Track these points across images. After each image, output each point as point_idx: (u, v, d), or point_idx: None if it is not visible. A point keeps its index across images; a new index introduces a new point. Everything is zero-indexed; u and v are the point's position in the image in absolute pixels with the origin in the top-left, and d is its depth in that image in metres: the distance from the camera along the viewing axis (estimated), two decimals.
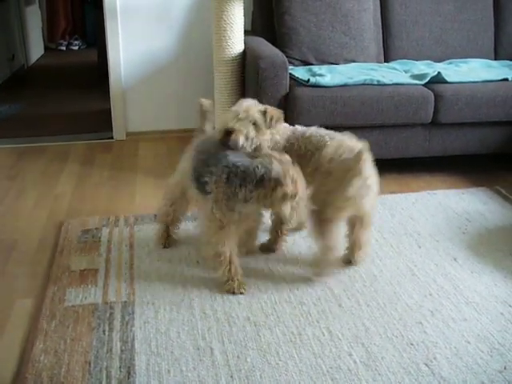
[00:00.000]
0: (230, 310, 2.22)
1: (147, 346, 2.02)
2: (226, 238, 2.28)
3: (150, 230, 2.82)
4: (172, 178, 2.66)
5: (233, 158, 2.26)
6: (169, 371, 1.90)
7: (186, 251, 2.64)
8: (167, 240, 2.68)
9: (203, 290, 2.34)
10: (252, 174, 2.15)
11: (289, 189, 2.10)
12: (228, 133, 2.36)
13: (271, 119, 2.41)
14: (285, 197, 2.11)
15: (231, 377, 1.88)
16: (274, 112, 2.44)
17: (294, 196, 2.12)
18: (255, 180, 2.14)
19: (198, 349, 2.01)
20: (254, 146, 2.41)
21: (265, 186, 2.13)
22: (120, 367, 1.92)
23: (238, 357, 1.97)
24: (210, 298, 2.29)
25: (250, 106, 2.45)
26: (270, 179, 2.12)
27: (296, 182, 2.12)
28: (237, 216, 2.23)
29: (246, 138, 2.37)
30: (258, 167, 2.15)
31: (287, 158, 2.19)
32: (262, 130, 2.41)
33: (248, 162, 2.21)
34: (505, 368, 1.95)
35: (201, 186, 2.32)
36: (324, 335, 2.08)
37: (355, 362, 1.96)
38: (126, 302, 2.27)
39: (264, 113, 2.42)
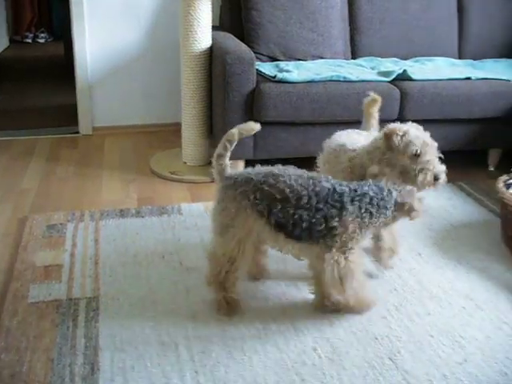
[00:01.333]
0: (193, 306, 2.21)
1: (111, 341, 2.01)
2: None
3: (116, 225, 2.80)
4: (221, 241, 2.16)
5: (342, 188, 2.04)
6: (133, 367, 1.89)
7: (153, 246, 2.63)
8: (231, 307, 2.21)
9: (168, 286, 2.34)
10: (389, 200, 2.04)
11: (417, 205, 2.05)
12: None
13: None
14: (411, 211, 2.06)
15: (196, 372, 1.88)
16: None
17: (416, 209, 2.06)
18: (394, 204, 2.05)
19: (163, 344, 2.00)
20: None
21: (401, 210, 2.06)
22: (84, 364, 1.90)
23: (202, 352, 1.97)
24: (174, 294, 2.28)
25: None
26: (403, 203, 2.05)
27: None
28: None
29: None
30: (390, 191, 2.04)
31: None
32: None
33: (373, 188, 2.05)
34: (465, 360, 1.99)
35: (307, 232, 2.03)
36: (289, 330, 2.09)
37: (320, 356, 1.97)
38: (90, 297, 2.25)
39: None
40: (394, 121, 3.23)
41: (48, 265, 2.47)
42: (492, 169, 3.77)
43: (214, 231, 2.17)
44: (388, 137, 2.18)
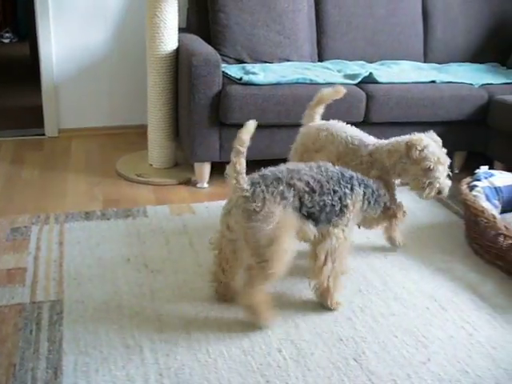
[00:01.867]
0: (159, 308, 2.20)
1: (75, 345, 1.98)
2: None
3: (81, 228, 2.78)
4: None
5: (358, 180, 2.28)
6: (97, 370, 1.87)
7: (118, 249, 2.61)
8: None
9: (133, 288, 2.32)
10: (382, 199, 2.35)
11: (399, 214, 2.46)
12: None
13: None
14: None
15: (160, 375, 1.87)
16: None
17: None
18: (383, 206, 2.36)
19: (128, 347, 1.99)
20: None
21: (385, 213, 2.40)
22: (47, 368, 1.87)
23: (167, 355, 1.96)
24: (139, 297, 2.27)
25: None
26: (389, 208, 2.41)
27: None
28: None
29: None
30: (385, 194, 2.37)
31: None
32: None
33: (374, 184, 2.34)
34: (428, 359, 2.01)
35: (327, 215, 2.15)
36: (254, 332, 2.09)
37: (285, 358, 1.98)
38: (54, 301, 2.22)
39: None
40: (359, 123, 3.32)
41: (11, 268, 2.43)
42: (457, 171, 3.82)
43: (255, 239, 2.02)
44: (409, 148, 2.40)
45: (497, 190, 2.92)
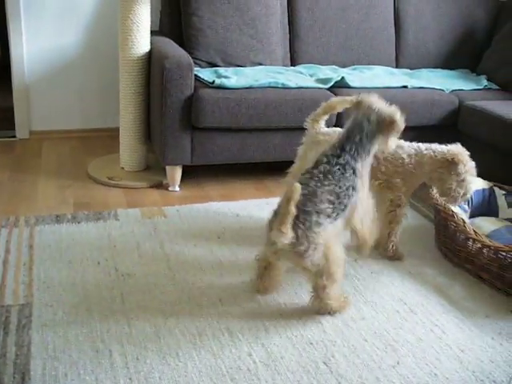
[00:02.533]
0: (129, 312, 2.19)
1: (44, 349, 1.96)
2: None
3: (51, 231, 2.75)
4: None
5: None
6: (66, 375, 1.85)
7: (88, 252, 2.59)
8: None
9: (103, 292, 2.30)
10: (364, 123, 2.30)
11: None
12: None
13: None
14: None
15: (130, 379, 1.86)
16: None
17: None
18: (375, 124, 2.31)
19: (97, 351, 1.97)
20: None
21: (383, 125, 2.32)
22: (14, 373, 1.85)
23: (137, 359, 1.95)
24: (109, 300, 2.25)
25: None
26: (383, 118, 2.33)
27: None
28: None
29: None
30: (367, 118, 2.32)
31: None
32: None
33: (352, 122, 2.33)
34: (398, 363, 2.02)
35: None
36: (224, 336, 2.09)
37: (255, 362, 1.98)
38: (23, 304, 2.19)
39: None
40: (332, 127, 3.33)
41: None
42: None
43: None
44: (455, 163, 2.54)
45: None
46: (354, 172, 2.26)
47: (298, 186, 2.00)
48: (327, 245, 2.14)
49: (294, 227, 2.05)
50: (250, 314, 2.23)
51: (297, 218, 2.06)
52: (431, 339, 2.17)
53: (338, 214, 2.20)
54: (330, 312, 2.27)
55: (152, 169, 3.59)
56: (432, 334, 2.20)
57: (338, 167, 2.23)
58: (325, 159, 2.25)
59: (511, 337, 2.22)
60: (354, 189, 2.26)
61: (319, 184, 2.18)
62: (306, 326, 2.18)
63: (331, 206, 2.16)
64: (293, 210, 1.99)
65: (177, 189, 3.36)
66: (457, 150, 2.59)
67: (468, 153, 2.60)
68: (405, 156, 2.64)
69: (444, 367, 2.02)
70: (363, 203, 2.35)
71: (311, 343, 2.09)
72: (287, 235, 2.01)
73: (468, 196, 2.61)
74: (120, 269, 2.48)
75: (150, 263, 2.54)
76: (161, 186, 3.40)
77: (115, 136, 3.69)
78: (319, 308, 2.26)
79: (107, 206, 3.09)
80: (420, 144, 2.69)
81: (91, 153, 3.86)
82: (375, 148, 2.33)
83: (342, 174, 2.23)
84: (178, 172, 3.32)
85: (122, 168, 3.55)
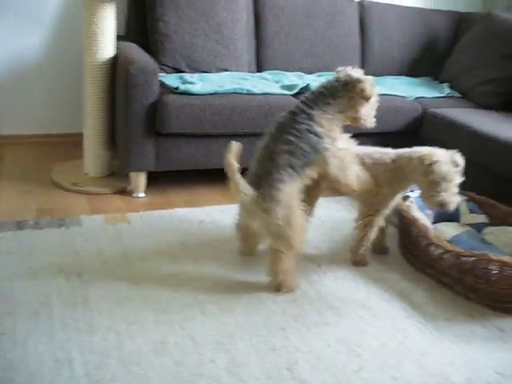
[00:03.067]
0: (91, 319, 2.16)
1: (2, 359, 1.92)
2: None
3: (13, 237, 2.71)
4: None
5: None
6: None
7: (51, 259, 2.56)
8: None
9: (65, 299, 2.27)
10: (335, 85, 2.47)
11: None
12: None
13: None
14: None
15: None
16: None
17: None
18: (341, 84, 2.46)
19: (57, 361, 1.94)
20: None
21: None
22: None
23: (98, 367, 1.92)
24: (71, 307, 2.22)
25: (450, 171, 2.53)
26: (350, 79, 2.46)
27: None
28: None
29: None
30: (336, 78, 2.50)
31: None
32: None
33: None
34: (360, 368, 2.03)
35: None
36: (187, 343, 2.08)
37: (218, 368, 1.97)
38: None
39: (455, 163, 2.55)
40: None
41: None
42: None
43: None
44: (420, 161, 2.53)
45: None
46: (310, 117, 2.39)
47: (233, 142, 2.26)
48: (289, 203, 2.32)
49: (259, 186, 2.30)
50: (213, 321, 2.22)
51: (260, 177, 2.32)
52: (393, 344, 2.18)
53: (301, 161, 2.35)
54: (279, 287, 2.41)
55: (116, 175, 3.57)
56: (394, 338, 2.22)
57: (289, 116, 2.42)
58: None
59: (470, 340, 2.26)
60: (311, 132, 2.37)
61: (273, 138, 2.38)
62: (269, 333, 2.18)
63: (289, 156, 2.32)
64: (234, 164, 2.24)
65: (141, 195, 3.34)
66: (429, 150, 2.59)
67: (459, 160, 2.57)
68: (388, 160, 2.67)
69: (405, 371, 2.04)
70: (339, 153, 2.46)
71: (274, 349, 2.09)
72: (247, 193, 2.28)
73: (444, 202, 2.49)
74: (83, 275, 2.45)
75: (113, 270, 2.51)
76: (125, 192, 3.38)
77: (79, 141, 3.66)
78: (269, 280, 2.42)
79: (71, 212, 3.06)
80: (400, 149, 2.71)
81: (55, 158, 3.82)
82: (339, 106, 2.45)
83: (295, 119, 2.39)
84: (142, 178, 3.30)
85: (86, 174, 3.52)
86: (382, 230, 2.81)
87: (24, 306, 2.21)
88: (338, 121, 2.49)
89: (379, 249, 2.87)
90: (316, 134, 2.38)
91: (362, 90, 2.44)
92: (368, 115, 2.58)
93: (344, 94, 2.45)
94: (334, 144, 2.44)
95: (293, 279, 2.46)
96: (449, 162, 2.52)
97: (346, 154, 2.51)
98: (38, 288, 2.34)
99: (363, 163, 2.66)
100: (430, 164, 2.49)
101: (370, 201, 2.68)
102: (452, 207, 2.50)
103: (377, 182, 2.64)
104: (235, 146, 2.26)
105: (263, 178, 2.32)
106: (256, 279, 2.51)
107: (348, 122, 2.57)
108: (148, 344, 2.06)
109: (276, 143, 2.36)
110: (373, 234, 2.72)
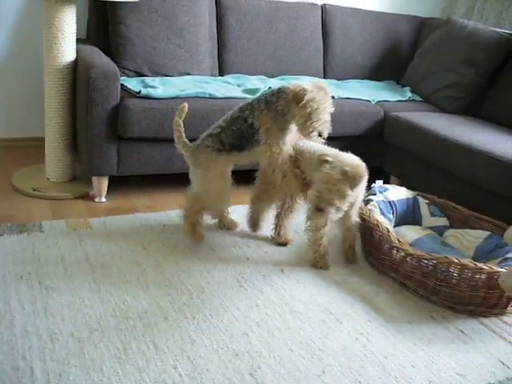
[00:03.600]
0: (53, 327, 2.13)
1: None
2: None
3: None
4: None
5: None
6: None
7: (11, 265, 2.51)
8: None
9: (26, 306, 2.23)
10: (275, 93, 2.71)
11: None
12: (319, 210, 2.57)
13: (354, 180, 2.50)
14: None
15: None
16: (356, 172, 2.52)
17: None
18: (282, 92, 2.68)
19: (17, 369, 1.90)
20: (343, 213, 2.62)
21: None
22: None
23: (59, 375, 1.90)
24: (32, 315, 2.19)
25: (330, 175, 2.53)
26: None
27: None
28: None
29: (337, 210, 2.55)
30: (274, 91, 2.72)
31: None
32: (346, 195, 2.55)
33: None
34: (323, 372, 2.04)
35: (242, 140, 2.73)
36: (149, 349, 2.06)
37: (180, 375, 1.96)
38: None
39: (345, 174, 2.50)
40: None
41: None
42: None
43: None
44: (295, 96, 2.63)
45: (391, 203, 3.02)
46: (252, 112, 2.68)
47: (185, 104, 2.75)
48: (207, 166, 2.73)
49: (196, 145, 2.81)
50: (175, 327, 2.20)
51: (198, 141, 2.82)
52: (356, 347, 2.20)
53: (231, 141, 2.70)
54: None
55: (78, 180, 3.53)
56: (357, 342, 2.23)
57: (240, 106, 2.75)
58: None
59: (432, 342, 2.28)
60: (246, 122, 2.68)
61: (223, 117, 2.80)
62: (231, 338, 2.17)
63: (220, 130, 2.72)
64: (179, 121, 2.76)
65: (103, 200, 3.31)
66: (300, 83, 2.74)
67: (324, 87, 2.72)
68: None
69: (368, 374, 2.05)
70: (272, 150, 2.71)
71: (237, 355, 2.09)
72: (184, 145, 2.80)
73: (322, 129, 2.70)
74: (44, 282, 2.41)
75: (75, 276, 2.48)
76: (87, 197, 3.34)
77: (41, 146, 3.61)
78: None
79: (32, 218, 3.01)
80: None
81: (16, 163, 3.76)
82: (280, 107, 2.65)
83: (240, 107, 2.74)
84: (104, 183, 3.27)
85: (48, 179, 3.47)
86: (351, 234, 2.83)
87: None
88: (281, 122, 2.68)
89: (347, 255, 2.88)
90: (250, 126, 2.67)
91: (295, 95, 2.60)
92: (310, 126, 2.67)
93: (282, 98, 2.66)
94: (270, 141, 2.69)
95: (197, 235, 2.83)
96: (316, 90, 2.66)
97: (280, 155, 2.72)
98: None
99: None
100: (305, 95, 2.61)
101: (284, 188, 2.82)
102: (326, 134, 2.73)
103: None
104: (185, 108, 2.74)
105: (201, 139, 2.79)
106: (219, 285, 2.51)
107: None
108: (110, 350, 2.03)
109: (220, 120, 2.77)
110: (320, 236, 2.71)
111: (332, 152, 2.66)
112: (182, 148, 2.80)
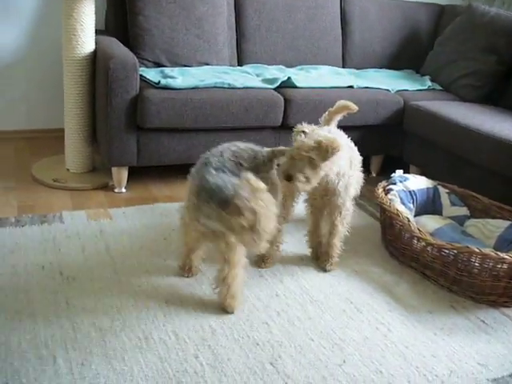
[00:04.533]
0: (74, 316, 2.15)
1: None
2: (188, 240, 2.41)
3: None
4: None
5: (211, 174, 2.14)
6: None
7: (32, 256, 2.53)
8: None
9: (48, 297, 2.25)
10: (218, 194, 2.03)
11: (246, 221, 1.97)
12: (288, 177, 2.30)
13: (327, 151, 2.30)
14: (242, 228, 1.99)
15: None
16: (330, 143, 2.30)
17: (251, 229, 1.98)
18: (219, 201, 2.02)
19: (40, 358, 1.93)
20: (312, 186, 2.36)
21: (225, 209, 2.00)
22: None
23: (82, 364, 1.92)
24: (53, 305, 2.21)
25: (303, 142, 2.32)
26: (230, 204, 1.99)
27: (257, 216, 1.97)
28: (201, 227, 2.17)
29: (306, 180, 2.31)
30: (228, 188, 2.02)
31: (262, 186, 2.03)
32: (317, 166, 2.33)
33: (223, 180, 2.07)
34: (344, 362, 2.04)
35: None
36: (170, 339, 2.07)
37: (201, 364, 1.97)
38: None
39: (319, 143, 2.30)
40: (277, 128, 3.36)
41: None
42: (374, 175, 3.90)
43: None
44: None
45: (411, 193, 3.00)
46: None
47: None
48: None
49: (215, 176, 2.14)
50: (196, 316, 2.21)
51: (218, 169, 2.20)
52: (377, 337, 2.19)
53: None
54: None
55: (98, 170, 3.55)
56: (378, 331, 2.23)
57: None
58: None
59: (452, 332, 2.28)
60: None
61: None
62: (252, 327, 2.18)
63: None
64: None
65: (123, 190, 3.33)
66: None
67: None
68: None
69: (389, 364, 2.05)
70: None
71: (258, 344, 2.09)
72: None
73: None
74: (65, 272, 2.43)
75: (96, 266, 2.50)
76: (107, 187, 3.36)
77: (60, 137, 3.63)
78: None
79: (52, 209, 3.03)
80: None
81: (36, 154, 3.78)
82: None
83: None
84: (123, 173, 3.28)
85: (68, 170, 3.49)
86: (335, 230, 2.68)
87: (5, 304, 2.19)
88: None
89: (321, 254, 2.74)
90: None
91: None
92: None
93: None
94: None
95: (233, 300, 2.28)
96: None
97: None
98: (19, 286, 2.32)
99: None
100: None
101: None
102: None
103: None
104: None
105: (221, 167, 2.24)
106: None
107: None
108: (132, 340, 2.05)
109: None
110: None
111: (312, 128, 2.49)
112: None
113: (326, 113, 2.83)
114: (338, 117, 2.84)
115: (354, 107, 2.84)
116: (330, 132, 2.56)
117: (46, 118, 4.15)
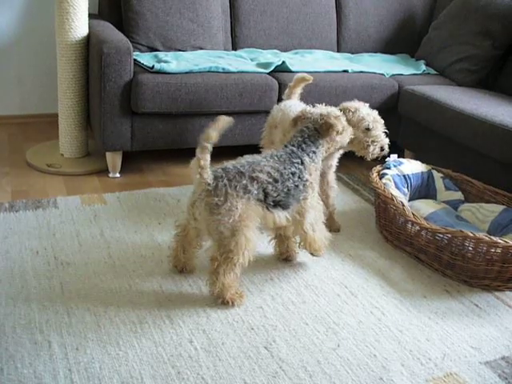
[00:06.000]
0: (69, 301, 2.15)
1: None
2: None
3: None
4: None
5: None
6: (2, 369, 1.81)
7: (26, 241, 2.53)
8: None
9: (42, 282, 2.26)
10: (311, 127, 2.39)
11: (340, 126, 2.38)
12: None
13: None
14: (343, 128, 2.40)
15: (69, 370, 1.83)
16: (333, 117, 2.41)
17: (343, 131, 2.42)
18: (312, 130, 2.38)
19: (35, 343, 1.93)
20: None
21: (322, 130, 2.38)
22: None
23: (76, 349, 1.92)
24: (48, 290, 2.21)
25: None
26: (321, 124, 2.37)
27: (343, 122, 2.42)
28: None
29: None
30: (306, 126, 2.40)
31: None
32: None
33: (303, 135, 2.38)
34: (338, 346, 2.05)
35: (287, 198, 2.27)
36: (165, 323, 2.08)
37: (196, 348, 1.97)
38: None
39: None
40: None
41: None
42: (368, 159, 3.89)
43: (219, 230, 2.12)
44: (343, 111, 2.60)
45: (405, 177, 3.00)
46: (302, 162, 2.31)
47: (223, 117, 2.08)
48: (243, 222, 2.10)
49: (219, 179, 2.11)
50: (190, 301, 2.22)
51: (229, 173, 2.13)
52: (371, 321, 2.20)
53: (278, 197, 2.21)
54: (222, 300, 2.20)
55: (92, 155, 3.54)
56: (372, 315, 2.23)
57: (284, 152, 2.31)
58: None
59: (446, 315, 2.29)
60: (300, 178, 2.28)
61: (265, 159, 2.25)
62: (246, 312, 2.19)
63: (271, 181, 2.19)
64: (212, 138, 2.05)
65: (117, 175, 3.32)
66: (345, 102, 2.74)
67: (367, 105, 2.74)
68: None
69: (383, 348, 2.06)
70: (316, 208, 2.39)
71: (252, 328, 2.10)
72: (205, 180, 2.10)
73: (383, 143, 2.69)
74: (59, 257, 2.43)
75: (90, 251, 2.50)
76: (101, 172, 3.35)
77: (54, 122, 3.62)
78: (211, 290, 2.21)
79: (46, 194, 3.03)
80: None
81: (30, 139, 3.77)
82: (321, 151, 2.41)
83: (289, 158, 2.29)
84: (118, 158, 3.28)
85: (62, 155, 3.48)
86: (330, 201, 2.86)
87: (0, 290, 2.19)
88: (319, 167, 2.43)
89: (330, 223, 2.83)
90: (301, 179, 2.29)
91: (336, 130, 2.39)
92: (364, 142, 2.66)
93: (320, 138, 2.39)
94: (312, 195, 2.36)
95: (234, 295, 2.22)
96: (364, 106, 2.71)
97: (320, 215, 2.45)
98: (13, 271, 2.32)
99: (284, 126, 2.75)
100: (355, 111, 2.66)
101: None
102: (387, 148, 2.70)
103: None
104: (224, 122, 2.08)
105: (232, 175, 2.13)
106: None
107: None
108: (126, 325, 2.05)
109: (266, 162, 2.22)
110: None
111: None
112: (201, 180, 2.12)
113: (287, 89, 3.00)
114: (298, 90, 3.00)
115: (310, 77, 2.97)
116: (295, 105, 2.79)
117: (40, 103, 4.13)
